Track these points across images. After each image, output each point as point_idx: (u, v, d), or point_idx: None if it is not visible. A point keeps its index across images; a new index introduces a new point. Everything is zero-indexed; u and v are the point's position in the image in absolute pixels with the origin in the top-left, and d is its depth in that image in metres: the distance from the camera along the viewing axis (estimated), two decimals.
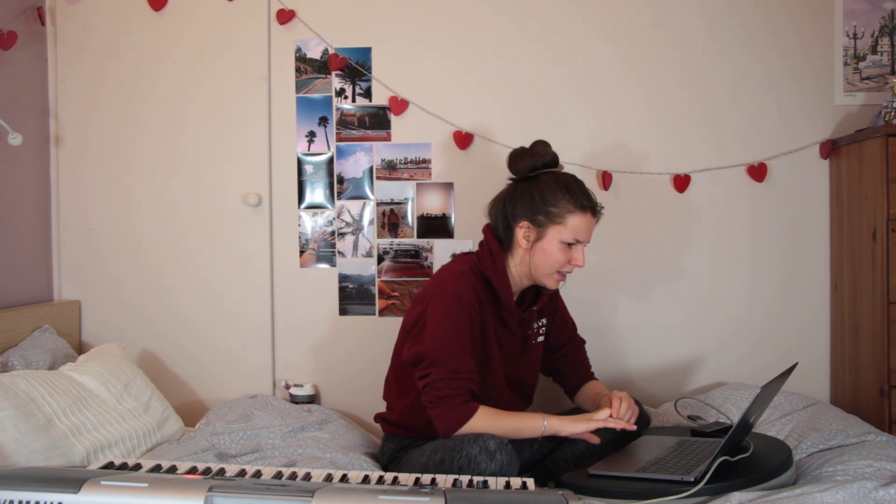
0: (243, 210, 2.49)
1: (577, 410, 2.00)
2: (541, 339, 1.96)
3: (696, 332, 2.43)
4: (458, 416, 1.68)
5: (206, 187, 2.51)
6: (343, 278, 2.49)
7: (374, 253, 2.47)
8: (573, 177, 1.82)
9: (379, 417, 1.97)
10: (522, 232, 1.80)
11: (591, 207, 1.80)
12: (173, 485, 1.23)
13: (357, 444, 2.02)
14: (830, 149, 2.37)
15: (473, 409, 1.69)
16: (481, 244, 1.87)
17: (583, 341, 2.08)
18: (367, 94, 2.46)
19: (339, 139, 2.48)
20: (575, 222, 1.77)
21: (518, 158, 1.85)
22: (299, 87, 2.48)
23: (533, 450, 1.93)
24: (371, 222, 2.47)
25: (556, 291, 2.01)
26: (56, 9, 2.54)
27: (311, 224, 2.49)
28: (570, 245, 1.78)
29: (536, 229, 1.79)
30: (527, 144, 1.88)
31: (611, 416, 1.73)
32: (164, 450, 1.95)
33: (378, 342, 2.41)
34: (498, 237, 1.85)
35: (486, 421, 1.68)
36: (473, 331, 1.76)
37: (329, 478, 1.45)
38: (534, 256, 1.80)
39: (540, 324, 1.95)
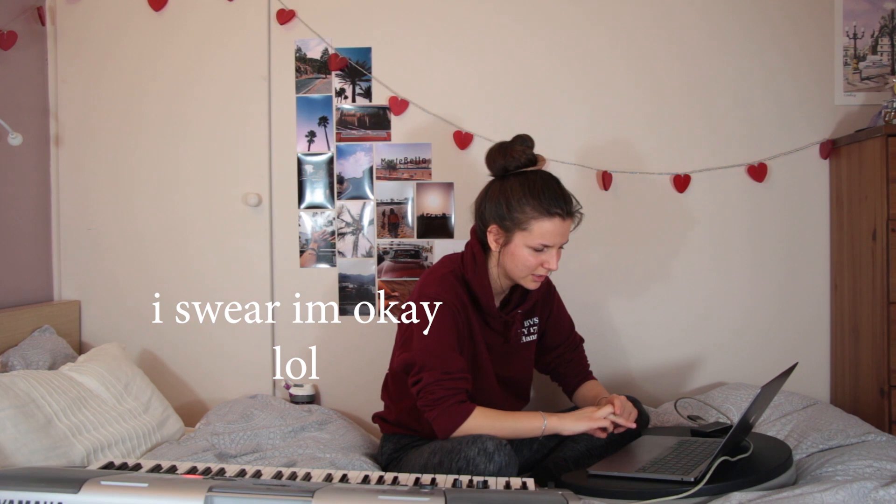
0: (243, 210, 2.49)
1: (575, 410, 1.99)
2: (531, 338, 1.94)
3: (696, 332, 2.43)
4: (454, 418, 1.67)
5: (206, 187, 2.51)
6: (343, 278, 2.48)
7: (374, 253, 2.47)
8: (545, 179, 1.75)
9: (377, 417, 1.96)
10: (493, 236, 1.78)
11: (559, 213, 1.72)
12: (173, 485, 1.23)
13: (357, 444, 2.02)
14: (830, 149, 2.37)
15: (470, 409, 1.68)
16: (466, 245, 1.86)
17: (581, 340, 2.07)
18: (367, 94, 2.46)
19: (339, 139, 2.48)
20: (541, 229, 1.71)
21: (493, 157, 1.80)
22: (299, 87, 2.48)
23: (532, 450, 1.92)
24: (371, 222, 2.47)
25: (553, 290, 2.01)
26: (56, 9, 2.54)
27: (311, 224, 2.49)
28: (538, 250, 1.74)
29: (504, 234, 1.76)
30: None
31: (614, 413, 1.72)
32: (164, 450, 1.95)
33: (378, 342, 2.41)
34: (480, 238, 1.84)
35: (483, 421, 1.68)
36: (460, 332, 1.75)
37: (329, 478, 1.45)
38: (504, 259, 1.78)
39: (531, 322, 1.94)
